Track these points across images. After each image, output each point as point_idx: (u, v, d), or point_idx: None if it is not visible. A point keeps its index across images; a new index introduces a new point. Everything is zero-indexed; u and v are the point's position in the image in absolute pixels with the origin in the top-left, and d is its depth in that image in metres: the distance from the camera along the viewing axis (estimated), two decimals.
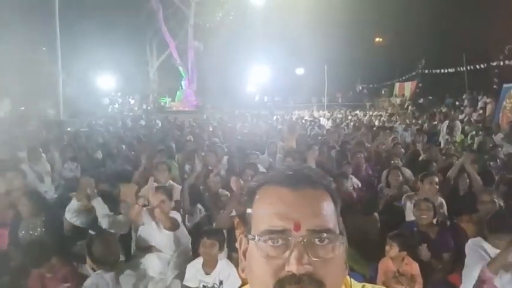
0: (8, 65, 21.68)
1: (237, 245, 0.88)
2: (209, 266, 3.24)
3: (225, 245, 3.56)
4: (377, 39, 33.63)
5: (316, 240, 0.75)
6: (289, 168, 0.84)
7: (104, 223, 3.83)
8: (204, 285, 3.25)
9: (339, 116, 20.53)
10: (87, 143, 8.40)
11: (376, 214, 4.61)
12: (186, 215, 4.47)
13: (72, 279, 3.29)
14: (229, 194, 4.74)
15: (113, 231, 3.80)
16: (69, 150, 6.97)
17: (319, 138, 9.81)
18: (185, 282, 3.32)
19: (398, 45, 27.72)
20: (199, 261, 3.31)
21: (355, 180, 5.68)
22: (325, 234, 0.75)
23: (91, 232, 4.07)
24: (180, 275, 3.62)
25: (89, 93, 24.26)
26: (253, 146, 8.27)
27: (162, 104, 25.81)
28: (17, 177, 4.61)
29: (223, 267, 3.23)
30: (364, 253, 3.83)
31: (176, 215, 3.89)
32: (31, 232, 3.92)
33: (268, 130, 11.65)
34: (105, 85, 25.59)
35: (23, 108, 19.84)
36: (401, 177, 5.27)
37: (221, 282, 3.20)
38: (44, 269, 3.25)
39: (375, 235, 4.28)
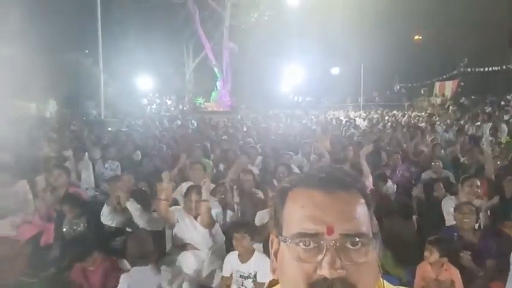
0: (53, 68, 22.85)
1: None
2: (244, 257, 3.32)
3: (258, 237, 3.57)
4: (416, 36, 32.52)
5: (349, 244, 0.74)
6: (321, 170, 0.82)
7: (140, 223, 3.95)
8: (240, 275, 3.31)
9: (376, 116, 20.04)
10: (127, 143, 8.69)
11: (413, 217, 4.47)
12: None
13: (112, 273, 3.44)
14: (262, 194, 4.77)
15: (149, 229, 3.91)
16: (110, 150, 7.23)
17: (355, 138, 9.65)
18: (223, 273, 3.42)
19: (438, 42, 26.70)
20: (235, 252, 3.39)
21: (390, 182, 5.55)
22: (358, 239, 0.74)
23: (128, 229, 4.23)
24: (214, 273, 3.69)
25: (129, 94, 25.15)
26: (287, 146, 8.25)
27: (197, 104, 26.27)
28: (62, 175, 4.85)
29: (259, 257, 3.28)
30: (401, 257, 3.73)
31: (212, 214, 3.96)
32: (74, 227, 4.13)
33: (303, 130, 11.58)
34: (144, 86, 26.41)
35: (67, 109, 20.84)
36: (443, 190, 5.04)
37: (256, 274, 3.24)
38: (86, 263, 3.42)
39: (412, 239, 4.15)
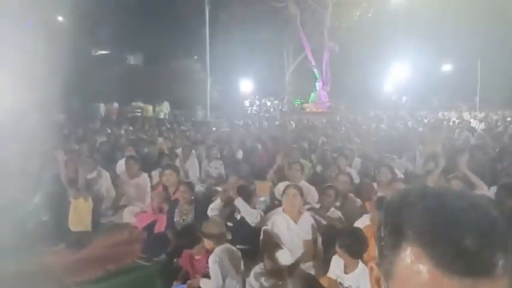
0: (167, 73, 25.31)
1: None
2: (349, 267, 3.18)
3: None
4: None
5: None
6: (464, 247, 0.58)
7: (248, 220, 4.08)
8: (340, 282, 3.23)
9: (495, 117, 17.86)
10: (229, 142, 9.17)
11: None
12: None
13: None
14: (360, 202, 4.63)
15: (253, 225, 4.06)
16: (214, 149, 7.71)
17: (470, 142, 8.74)
18: (329, 275, 3.32)
19: None
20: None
21: None
22: None
23: (229, 224, 4.47)
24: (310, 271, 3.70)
25: (232, 97, 26.56)
26: (389, 149, 7.84)
27: (296, 105, 26.48)
28: (173, 174, 5.37)
29: (364, 271, 3.09)
30: None
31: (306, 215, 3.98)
32: (184, 217, 4.55)
33: (407, 132, 10.89)
34: (246, 88, 27.65)
35: (178, 110, 22.85)
36: None
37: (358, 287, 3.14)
38: (194, 251, 3.74)
39: None
